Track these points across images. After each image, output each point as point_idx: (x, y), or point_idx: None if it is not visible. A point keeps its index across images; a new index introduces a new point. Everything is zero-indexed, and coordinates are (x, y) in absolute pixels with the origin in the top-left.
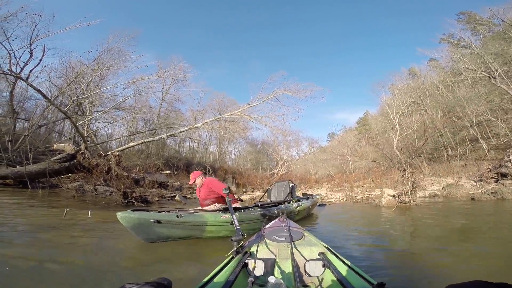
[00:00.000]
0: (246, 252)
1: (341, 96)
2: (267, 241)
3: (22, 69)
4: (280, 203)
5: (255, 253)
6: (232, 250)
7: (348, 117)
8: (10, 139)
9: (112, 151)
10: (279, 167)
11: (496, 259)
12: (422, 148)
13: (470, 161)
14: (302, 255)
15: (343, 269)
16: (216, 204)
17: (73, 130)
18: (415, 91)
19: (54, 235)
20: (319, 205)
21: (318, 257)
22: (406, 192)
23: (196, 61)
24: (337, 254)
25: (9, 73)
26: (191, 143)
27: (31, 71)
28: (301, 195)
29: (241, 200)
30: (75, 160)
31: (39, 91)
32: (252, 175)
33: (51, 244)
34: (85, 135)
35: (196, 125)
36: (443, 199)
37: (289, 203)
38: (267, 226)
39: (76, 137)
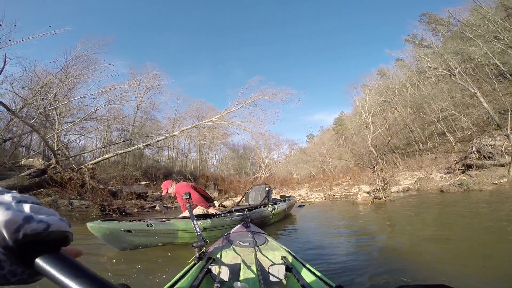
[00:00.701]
0: (209, 258)
1: (319, 98)
2: (232, 246)
3: None
4: (256, 207)
5: (219, 258)
6: (194, 256)
7: (325, 118)
8: None
9: (86, 164)
10: (262, 171)
11: (461, 244)
12: (396, 143)
13: (439, 154)
14: (266, 259)
15: (304, 273)
16: (199, 207)
17: (42, 143)
18: (385, 91)
19: None
20: (299, 206)
21: (281, 261)
22: (379, 188)
23: (174, 68)
24: (298, 258)
25: None
26: (170, 151)
27: None
28: (279, 197)
29: (224, 206)
30: (45, 175)
31: (1, 103)
32: (234, 180)
33: None
34: (55, 148)
35: (173, 134)
36: (416, 193)
37: (264, 206)
38: (231, 231)
39: (46, 151)
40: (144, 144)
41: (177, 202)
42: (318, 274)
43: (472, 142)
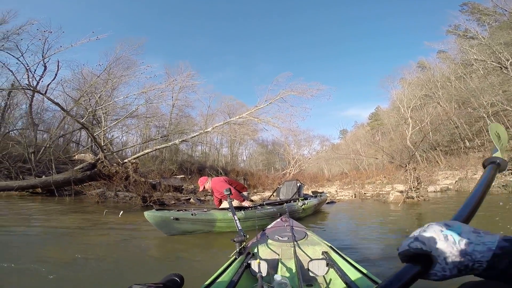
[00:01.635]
0: (249, 253)
1: (352, 92)
2: (270, 241)
3: (38, 82)
4: (286, 202)
5: (258, 253)
6: (235, 251)
7: (360, 113)
8: (33, 150)
9: (129, 159)
10: (291, 167)
11: None
12: (438, 140)
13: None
14: (305, 254)
15: (347, 268)
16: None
17: (89, 139)
18: (425, 84)
19: (90, 234)
20: (328, 202)
21: (322, 256)
22: (412, 187)
23: (203, 66)
24: (341, 253)
25: (30, 88)
26: (203, 147)
27: (48, 85)
28: (311, 193)
29: (252, 201)
30: (95, 169)
31: (58, 104)
32: (263, 175)
33: (89, 242)
34: (102, 144)
35: (206, 130)
36: (455, 194)
37: (295, 201)
38: (269, 226)
39: (93, 146)
40: (180, 140)
41: (210, 195)
42: (363, 270)
43: None
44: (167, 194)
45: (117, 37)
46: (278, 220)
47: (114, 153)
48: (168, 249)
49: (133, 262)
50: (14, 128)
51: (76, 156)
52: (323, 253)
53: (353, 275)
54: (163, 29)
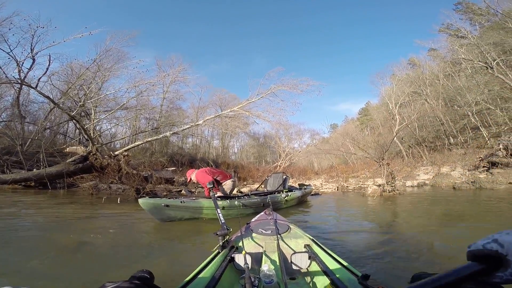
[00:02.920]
0: (232, 246)
1: (345, 88)
2: (254, 234)
3: (25, 75)
4: (271, 193)
5: (242, 246)
6: (218, 244)
7: (351, 108)
8: (21, 143)
9: (120, 151)
10: (282, 160)
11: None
12: (424, 136)
13: (470, 149)
14: (288, 247)
15: (328, 261)
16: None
17: (77, 131)
18: (415, 81)
19: (87, 223)
20: (313, 194)
21: (304, 249)
22: (387, 182)
23: (196, 57)
24: (322, 246)
25: (20, 82)
26: (194, 139)
27: (39, 79)
28: (297, 186)
29: (241, 192)
30: (87, 161)
31: (48, 97)
32: (254, 168)
33: (87, 231)
34: (93, 136)
35: (197, 123)
36: (429, 188)
37: (279, 193)
38: (253, 220)
39: (81, 138)
40: (171, 132)
41: (201, 187)
42: (344, 262)
43: (500, 138)
44: (159, 186)
45: (108, 24)
46: (262, 213)
47: (104, 145)
48: (159, 236)
49: (127, 247)
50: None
51: (67, 148)
52: (305, 246)
53: (334, 267)
54: (156, 14)
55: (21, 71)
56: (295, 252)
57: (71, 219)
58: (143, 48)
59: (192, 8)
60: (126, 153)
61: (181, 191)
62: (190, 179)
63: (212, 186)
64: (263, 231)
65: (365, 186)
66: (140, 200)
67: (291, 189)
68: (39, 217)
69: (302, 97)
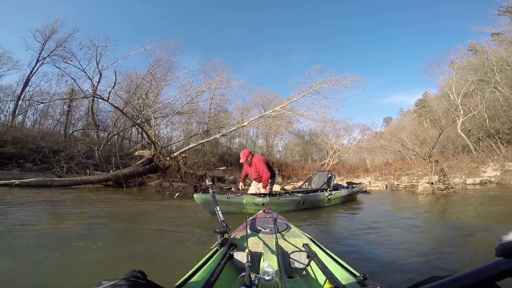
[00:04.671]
0: (231, 244)
1: (396, 78)
2: (253, 232)
3: (96, 88)
4: (313, 191)
5: (241, 244)
6: (216, 242)
7: (406, 99)
8: (97, 148)
9: (178, 153)
10: (329, 157)
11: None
12: (497, 127)
13: None
14: (287, 246)
15: (326, 260)
16: (260, 188)
17: (139, 136)
18: (479, 68)
19: (157, 213)
20: (363, 192)
21: (303, 248)
22: (440, 179)
23: (236, 60)
24: (321, 245)
25: (95, 95)
26: (240, 139)
27: (109, 92)
28: (345, 184)
29: (284, 189)
30: (153, 163)
31: (118, 108)
32: (298, 167)
33: (159, 219)
34: (154, 140)
35: (243, 124)
36: (494, 187)
37: (322, 191)
38: (251, 218)
39: (143, 142)
40: (220, 134)
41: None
42: (342, 262)
43: None
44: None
45: (154, 35)
46: (261, 211)
47: (163, 148)
48: (210, 222)
49: (184, 233)
50: (79, 129)
51: (136, 152)
52: (304, 245)
53: (333, 267)
54: (196, 24)
55: (94, 85)
56: (294, 251)
57: (146, 211)
58: (188, 55)
59: (229, 15)
60: (183, 155)
61: (231, 188)
62: (246, 158)
63: (212, 183)
64: (262, 229)
65: (416, 184)
66: (195, 196)
67: (336, 187)
68: (124, 210)
69: (347, 93)
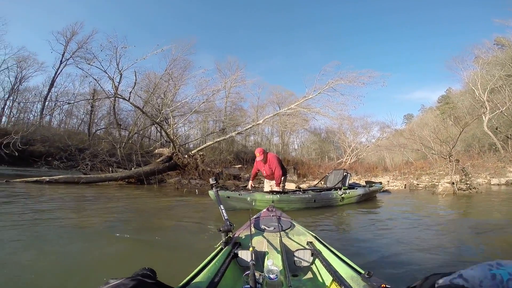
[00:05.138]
0: (235, 243)
1: (417, 74)
2: (257, 231)
3: (116, 89)
4: (328, 189)
5: (245, 243)
6: (221, 241)
7: (428, 96)
8: (119, 146)
9: (195, 151)
10: (347, 156)
11: None
12: None
13: None
14: (291, 244)
15: (331, 258)
16: (271, 186)
17: (158, 134)
18: (507, 63)
19: (177, 208)
20: (384, 191)
21: (307, 246)
22: (461, 179)
23: (249, 57)
24: (325, 243)
25: (117, 95)
26: (255, 137)
27: (130, 92)
28: (364, 183)
29: (299, 188)
30: (172, 161)
31: (138, 108)
32: (314, 165)
33: (172, 215)
34: (173, 139)
35: (258, 122)
36: None
37: (335, 190)
38: (255, 216)
39: (162, 141)
40: (235, 132)
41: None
42: (346, 260)
43: None
44: (228, 181)
45: (169, 35)
46: (265, 210)
47: (181, 146)
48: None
49: (201, 225)
50: (102, 127)
51: (156, 150)
52: (308, 243)
53: (337, 264)
54: (210, 22)
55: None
56: (298, 249)
57: (166, 206)
58: (203, 55)
59: (241, 7)
60: (201, 153)
61: (246, 186)
62: (262, 156)
63: (215, 182)
64: (267, 228)
65: (437, 183)
66: (210, 192)
67: (352, 186)
68: (146, 206)
69: (365, 89)
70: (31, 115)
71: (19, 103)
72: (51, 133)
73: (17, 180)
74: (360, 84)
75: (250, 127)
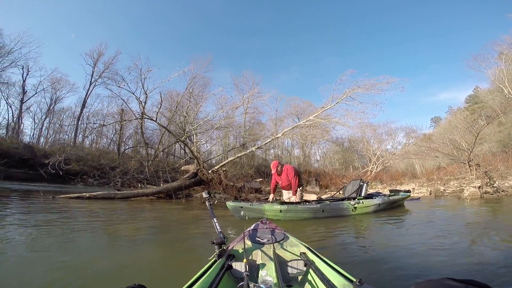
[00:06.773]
0: (229, 255)
1: (440, 75)
2: (250, 243)
3: (143, 109)
4: (341, 200)
5: (239, 255)
6: (214, 253)
7: (456, 96)
8: (147, 164)
9: (218, 167)
10: (372, 164)
11: None
12: None
13: None
14: (285, 255)
15: (324, 268)
16: (290, 198)
17: (181, 151)
18: None
19: (200, 222)
20: (414, 199)
21: (300, 256)
22: (486, 183)
23: (266, 69)
24: (318, 254)
25: (144, 116)
26: (276, 150)
27: (157, 112)
28: (387, 192)
29: (321, 199)
30: (197, 177)
31: (164, 127)
32: (339, 175)
33: (197, 226)
34: (197, 156)
35: (277, 136)
36: None
37: (348, 200)
38: (248, 229)
39: (186, 157)
40: (255, 147)
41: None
42: (339, 269)
43: None
44: (250, 195)
45: (189, 49)
46: (258, 222)
47: (205, 162)
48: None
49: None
50: (130, 146)
51: (182, 167)
52: (301, 254)
53: (330, 273)
54: (224, 37)
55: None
56: (291, 260)
57: (194, 218)
58: (220, 69)
59: (253, 20)
60: (224, 168)
61: (267, 198)
62: (276, 169)
63: (208, 196)
64: (260, 240)
65: (463, 188)
66: (227, 203)
67: (370, 196)
68: (176, 217)
69: (383, 96)
70: (66, 136)
71: (55, 124)
72: (85, 153)
73: (61, 196)
74: (378, 91)
75: (269, 141)
